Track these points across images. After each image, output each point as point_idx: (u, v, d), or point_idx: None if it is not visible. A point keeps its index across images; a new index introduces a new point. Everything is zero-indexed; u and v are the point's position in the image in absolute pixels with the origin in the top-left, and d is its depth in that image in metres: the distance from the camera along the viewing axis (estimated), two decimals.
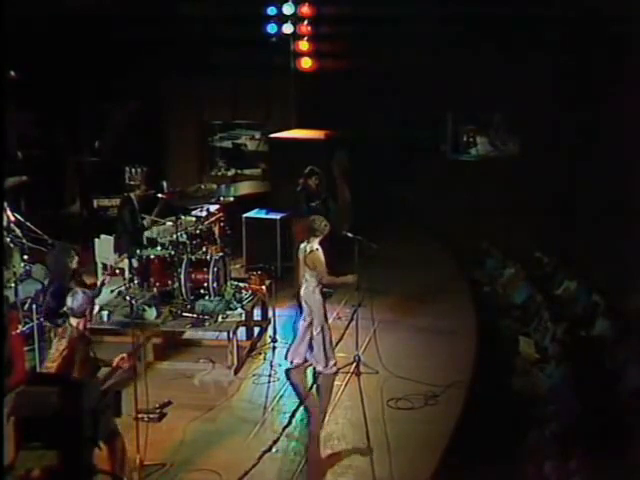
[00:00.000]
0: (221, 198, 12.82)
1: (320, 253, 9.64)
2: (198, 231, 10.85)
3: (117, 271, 11.01)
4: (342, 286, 9.94)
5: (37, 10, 14.01)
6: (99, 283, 9.80)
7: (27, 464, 6.09)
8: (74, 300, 7.04)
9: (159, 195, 11.23)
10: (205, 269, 10.38)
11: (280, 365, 10.13)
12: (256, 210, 13.77)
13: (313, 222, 9.82)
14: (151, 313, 10.09)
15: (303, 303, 9.94)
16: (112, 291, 10.58)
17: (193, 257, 10.48)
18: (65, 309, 7.31)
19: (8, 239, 10.36)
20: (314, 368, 9.89)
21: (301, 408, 9.11)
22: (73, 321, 7.03)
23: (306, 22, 16.70)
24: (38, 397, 6.17)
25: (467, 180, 16.74)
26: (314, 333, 9.85)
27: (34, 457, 6.09)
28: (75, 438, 6.18)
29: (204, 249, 10.71)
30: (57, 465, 6.06)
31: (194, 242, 10.66)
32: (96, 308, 9.00)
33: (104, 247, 11.62)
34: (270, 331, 10.88)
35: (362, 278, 9.87)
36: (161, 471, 7.59)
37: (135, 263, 10.57)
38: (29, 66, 14.12)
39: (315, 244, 9.71)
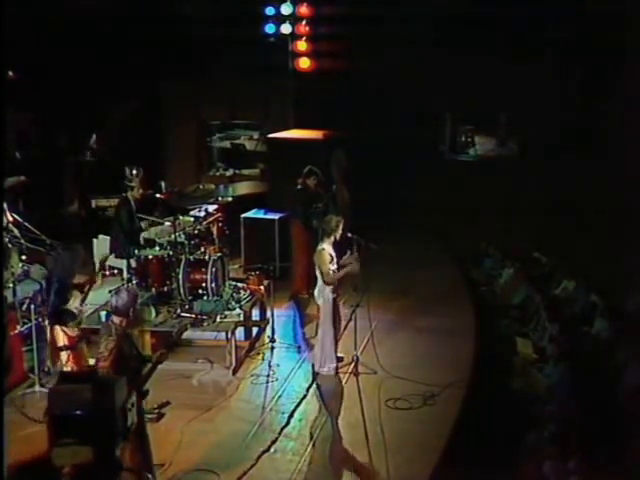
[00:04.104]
0: (219, 198, 12.82)
1: (325, 253, 9.62)
2: (196, 231, 10.83)
3: (114, 271, 10.99)
4: (348, 277, 9.82)
5: (37, 10, 14.01)
6: (88, 284, 9.78)
7: (61, 460, 6.22)
8: (119, 299, 7.07)
9: (158, 195, 11.22)
10: (203, 269, 10.37)
11: (278, 365, 10.14)
12: (254, 210, 13.77)
13: (325, 222, 9.85)
14: (150, 313, 10.08)
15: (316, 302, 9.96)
16: (110, 291, 10.56)
17: (191, 257, 10.47)
18: (109, 308, 7.37)
19: (6, 239, 10.34)
20: (312, 367, 9.88)
21: (300, 408, 9.11)
22: (116, 319, 7.06)
23: (304, 22, 16.72)
24: (71, 394, 6.28)
25: (466, 180, 16.74)
26: (318, 332, 9.86)
27: (68, 453, 6.22)
28: (107, 434, 6.32)
29: (202, 249, 10.70)
30: (90, 461, 6.18)
31: (192, 242, 10.65)
32: (88, 309, 9.03)
33: (102, 247, 11.60)
34: (268, 331, 10.86)
35: (361, 278, 9.88)
36: (160, 471, 7.57)
37: (133, 263, 10.57)
38: (29, 66, 14.11)
39: (324, 244, 9.71)
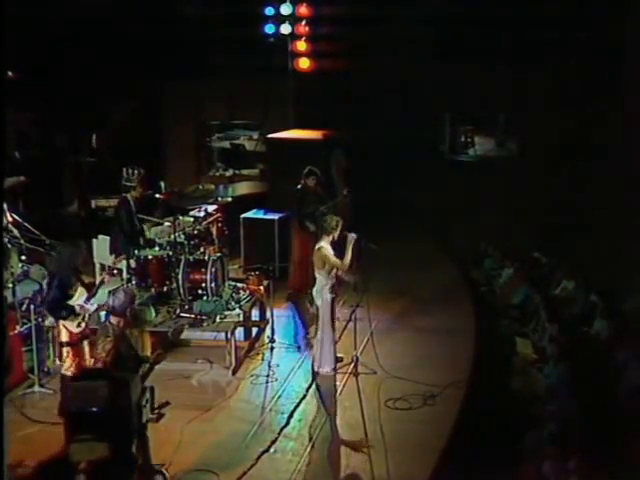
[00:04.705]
0: (219, 198, 12.81)
1: (324, 250, 9.63)
2: (196, 231, 10.84)
3: (115, 271, 11.00)
4: (353, 253, 9.79)
5: (37, 10, 14.00)
6: (97, 282, 9.79)
7: (78, 456, 6.28)
8: (116, 299, 7.09)
9: (157, 195, 11.21)
10: (203, 269, 10.37)
11: (278, 365, 10.14)
12: (254, 210, 13.76)
13: (324, 221, 9.85)
14: (149, 313, 10.07)
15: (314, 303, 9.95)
16: (110, 291, 10.54)
17: (191, 257, 10.47)
18: (106, 308, 7.42)
19: (6, 239, 10.34)
20: (312, 367, 9.88)
21: (299, 408, 9.10)
22: (114, 320, 7.06)
23: (304, 22, 16.72)
24: (87, 391, 6.32)
25: (466, 180, 16.74)
26: (317, 332, 9.85)
27: (85, 449, 6.28)
28: (123, 430, 6.38)
29: (202, 249, 10.70)
30: (106, 457, 6.21)
31: (192, 242, 10.65)
32: (93, 308, 9.02)
33: (102, 247, 11.60)
34: (268, 331, 10.85)
35: (361, 278, 9.87)
36: None
37: (133, 264, 10.56)
38: (29, 66, 14.11)
39: (322, 242, 9.71)
